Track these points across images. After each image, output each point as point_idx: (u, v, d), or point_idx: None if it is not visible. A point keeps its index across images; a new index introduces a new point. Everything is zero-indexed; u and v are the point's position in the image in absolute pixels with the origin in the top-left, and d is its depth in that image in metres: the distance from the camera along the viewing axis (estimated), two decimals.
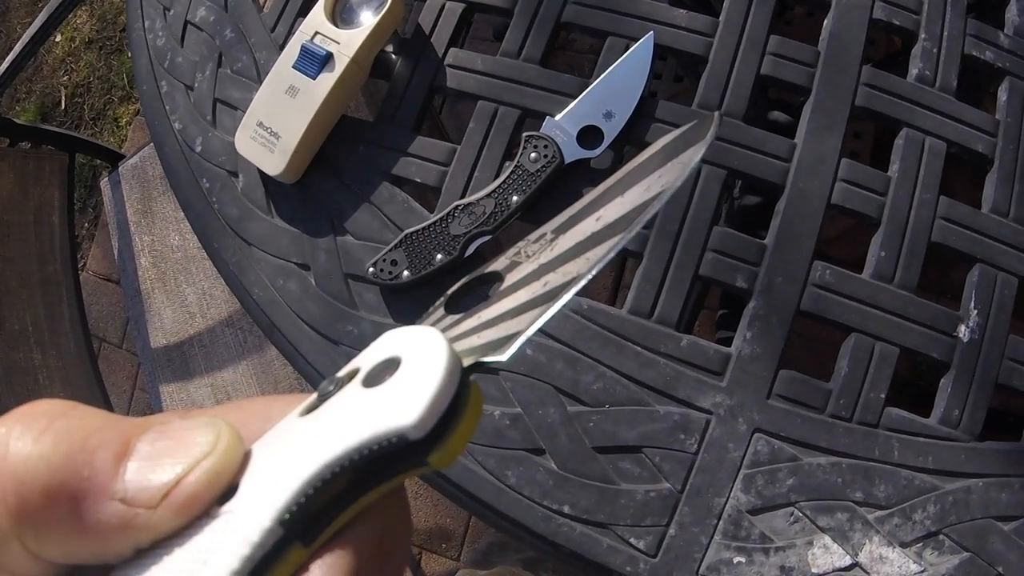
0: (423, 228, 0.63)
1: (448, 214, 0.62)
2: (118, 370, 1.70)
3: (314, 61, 0.66)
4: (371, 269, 0.63)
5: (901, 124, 0.65)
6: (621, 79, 0.65)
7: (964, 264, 0.63)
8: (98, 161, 1.67)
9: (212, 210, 0.70)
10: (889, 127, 0.66)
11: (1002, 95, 0.67)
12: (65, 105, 1.94)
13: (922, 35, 0.68)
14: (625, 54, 0.66)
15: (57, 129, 1.26)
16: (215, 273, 1.11)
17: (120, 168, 1.23)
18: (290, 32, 0.74)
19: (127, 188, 1.20)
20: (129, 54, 1.88)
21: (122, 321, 1.72)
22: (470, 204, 0.62)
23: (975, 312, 0.61)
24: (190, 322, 1.12)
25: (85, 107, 1.92)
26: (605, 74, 0.66)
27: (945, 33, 0.68)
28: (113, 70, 1.93)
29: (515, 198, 0.62)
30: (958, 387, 0.59)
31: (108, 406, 1.11)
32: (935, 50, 0.67)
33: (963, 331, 0.60)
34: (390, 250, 0.63)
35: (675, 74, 1.48)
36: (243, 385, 1.05)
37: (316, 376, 0.64)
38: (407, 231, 0.63)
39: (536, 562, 0.85)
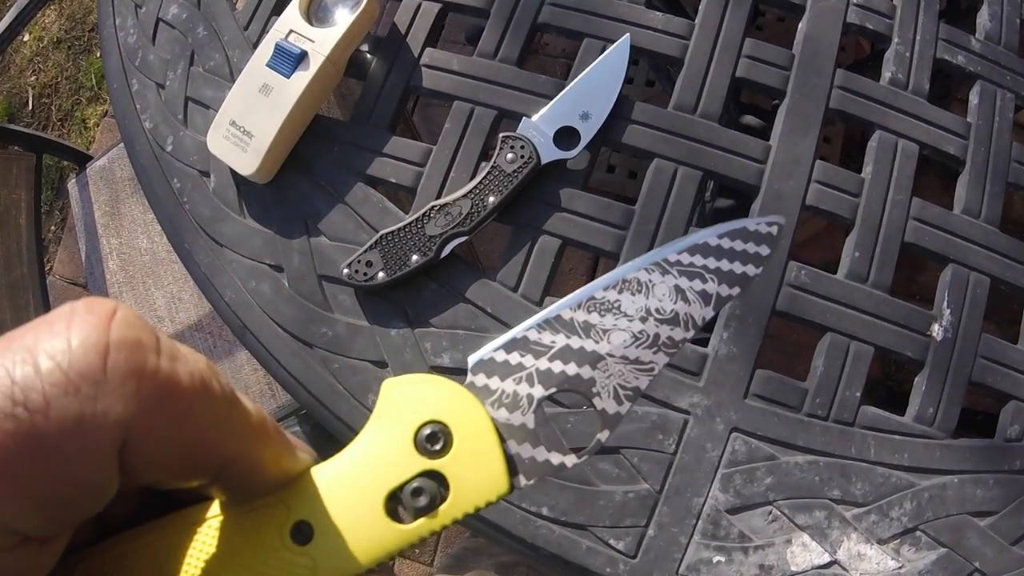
0: (398, 229, 0.62)
1: (424, 215, 0.62)
2: None
3: (288, 59, 0.65)
4: (346, 270, 0.62)
5: (874, 126, 0.66)
6: (598, 80, 0.65)
7: (936, 264, 0.64)
8: (65, 163, 1.64)
9: (183, 211, 0.69)
10: (862, 129, 0.67)
11: (973, 98, 0.68)
12: (32, 106, 1.90)
13: (895, 39, 0.68)
14: (602, 55, 0.66)
15: (24, 129, 1.24)
16: (184, 276, 1.09)
17: (88, 170, 1.20)
18: (264, 30, 0.73)
19: (95, 190, 1.18)
20: (98, 54, 1.86)
21: None
22: (446, 205, 0.62)
23: (948, 311, 0.62)
24: (158, 326, 1.10)
25: (53, 108, 1.89)
26: (582, 75, 0.66)
27: (918, 37, 0.68)
28: (82, 70, 1.90)
29: (492, 199, 0.62)
30: (932, 385, 0.60)
31: None
32: (908, 54, 0.68)
33: (936, 330, 0.61)
34: (365, 251, 0.62)
35: (647, 79, 1.49)
36: None
37: (289, 380, 0.63)
38: (382, 232, 0.62)
39: (510, 567, 0.85)
